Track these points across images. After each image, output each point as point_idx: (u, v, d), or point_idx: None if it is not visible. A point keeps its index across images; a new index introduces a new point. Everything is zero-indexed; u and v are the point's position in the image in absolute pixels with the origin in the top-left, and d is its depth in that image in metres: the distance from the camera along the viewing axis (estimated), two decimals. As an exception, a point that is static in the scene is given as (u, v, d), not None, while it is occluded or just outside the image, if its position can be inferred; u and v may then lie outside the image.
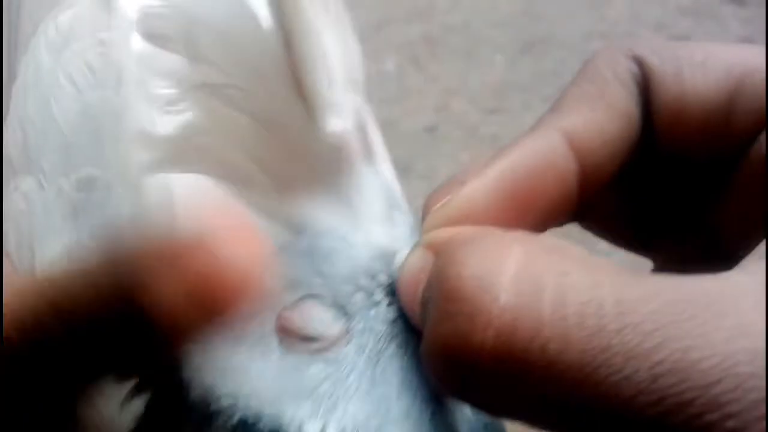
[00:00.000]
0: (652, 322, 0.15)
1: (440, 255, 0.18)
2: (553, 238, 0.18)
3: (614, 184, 0.22)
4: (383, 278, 0.21)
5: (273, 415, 0.20)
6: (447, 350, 0.17)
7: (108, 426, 0.20)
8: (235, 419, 0.20)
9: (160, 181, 0.20)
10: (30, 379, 0.16)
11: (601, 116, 0.21)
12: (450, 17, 1.26)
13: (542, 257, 0.17)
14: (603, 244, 0.26)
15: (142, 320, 0.15)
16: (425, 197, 0.21)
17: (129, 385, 0.20)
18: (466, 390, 0.17)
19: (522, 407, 0.17)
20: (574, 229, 0.24)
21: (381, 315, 0.21)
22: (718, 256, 0.21)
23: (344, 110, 0.21)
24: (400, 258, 0.21)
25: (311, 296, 0.21)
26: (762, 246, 0.17)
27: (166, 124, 0.21)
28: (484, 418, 0.21)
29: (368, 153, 0.22)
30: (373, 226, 0.22)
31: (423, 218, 0.21)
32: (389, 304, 0.21)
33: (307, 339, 0.20)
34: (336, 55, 0.20)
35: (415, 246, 0.20)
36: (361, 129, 0.22)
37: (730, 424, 0.14)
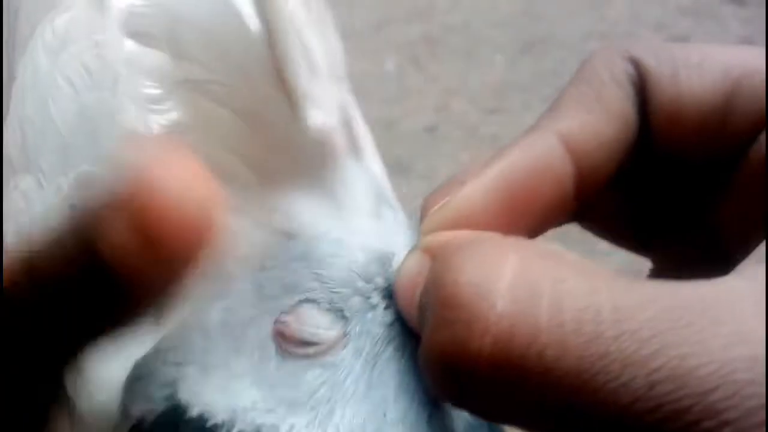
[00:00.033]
0: (649, 329, 0.15)
1: (437, 259, 0.18)
2: (549, 243, 0.18)
3: (613, 184, 0.22)
4: (380, 281, 0.21)
5: (271, 425, 0.20)
6: (444, 357, 0.17)
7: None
8: None
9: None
10: (10, 344, 0.15)
11: (597, 118, 0.21)
12: (450, 17, 1.26)
13: (539, 263, 0.17)
14: (603, 244, 0.25)
15: (104, 271, 0.15)
16: (425, 197, 0.21)
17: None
18: (464, 397, 0.17)
19: (520, 414, 0.17)
20: (574, 229, 0.24)
21: (378, 318, 0.21)
22: (718, 255, 0.21)
23: (326, 104, 0.21)
24: (397, 261, 0.21)
25: (308, 300, 0.21)
26: (759, 250, 0.17)
27: (153, 123, 0.21)
28: (481, 422, 0.21)
29: (354, 148, 0.22)
30: (359, 220, 0.22)
31: (421, 220, 0.21)
32: (386, 307, 0.21)
33: (305, 343, 0.20)
34: (318, 51, 0.20)
35: (413, 249, 0.20)
36: (347, 124, 0.22)
37: (728, 431, 0.14)
